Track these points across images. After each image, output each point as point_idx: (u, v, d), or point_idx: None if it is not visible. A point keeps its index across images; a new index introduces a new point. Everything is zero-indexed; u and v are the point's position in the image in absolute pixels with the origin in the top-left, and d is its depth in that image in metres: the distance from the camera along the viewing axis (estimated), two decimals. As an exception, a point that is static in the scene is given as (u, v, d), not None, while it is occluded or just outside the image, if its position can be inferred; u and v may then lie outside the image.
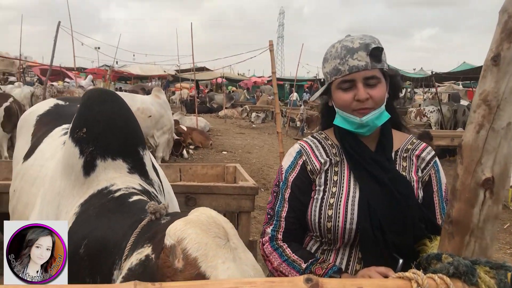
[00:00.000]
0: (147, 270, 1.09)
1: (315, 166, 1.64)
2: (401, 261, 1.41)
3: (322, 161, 1.65)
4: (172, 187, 4.21)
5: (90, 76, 22.72)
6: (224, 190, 4.03)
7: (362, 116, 1.55)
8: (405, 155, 1.67)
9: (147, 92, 14.39)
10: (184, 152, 10.88)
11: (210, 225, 1.10)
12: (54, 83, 24.17)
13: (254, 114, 21.03)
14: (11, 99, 7.96)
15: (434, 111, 15.74)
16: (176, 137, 9.91)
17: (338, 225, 1.54)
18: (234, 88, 34.63)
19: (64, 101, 2.90)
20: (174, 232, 1.08)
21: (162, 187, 1.85)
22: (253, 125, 19.50)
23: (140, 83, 29.28)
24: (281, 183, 1.67)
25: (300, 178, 1.64)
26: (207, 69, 28.84)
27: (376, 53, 1.54)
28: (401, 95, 32.64)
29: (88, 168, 1.59)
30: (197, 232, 1.07)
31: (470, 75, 16.81)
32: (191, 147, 11.81)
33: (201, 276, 1.00)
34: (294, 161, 1.68)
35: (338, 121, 1.62)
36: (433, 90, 21.35)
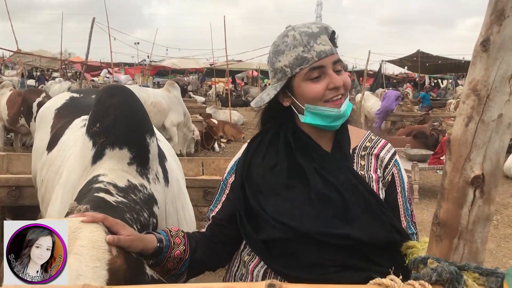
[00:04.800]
0: None
1: None
2: None
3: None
4: (192, 181, 4.24)
5: (105, 70, 23.30)
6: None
7: (338, 106, 1.39)
8: (363, 153, 1.50)
9: (181, 86, 14.48)
10: (216, 145, 10.92)
11: None
12: (95, 78, 24.91)
13: (289, 107, 20.83)
14: (43, 95, 8.18)
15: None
16: (195, 128, 9.79)
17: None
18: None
19: (78, 94, 3.08)
20: None
21: (166, 175, 1.92)
22: (288, 118, 19.32)
23: (178, 77, 29.59)
24: (222, 183, 1.59)
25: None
26: (243, 62, 28.89)
27: (333, 37, 1.42)
28: (443, 86, 31.77)
29: (97, 157, 1.70)
30: None
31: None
32: (223, 140, 11.84)
33: None
34: (235, 164, 1.57)
35: (308, 119, 1.42)
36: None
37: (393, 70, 33.19)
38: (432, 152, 7.97)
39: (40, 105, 8.03)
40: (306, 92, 1.40)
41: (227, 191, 1.54)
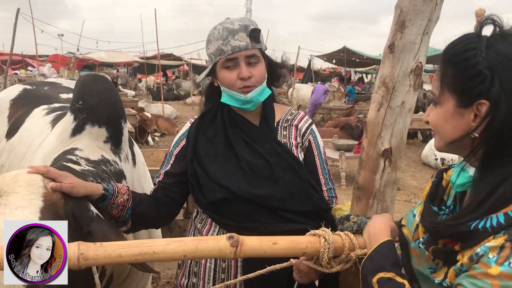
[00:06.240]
0: None
1: None
2: None
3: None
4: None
5: (49, 65, 22.30)
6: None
7: (246, 94, 1.68)
8: (285, 125, 1.82)
9: (111, 80, 14.19)
10: (150, 139, 10.94)
11: None
12: (17, 72, 23.62)
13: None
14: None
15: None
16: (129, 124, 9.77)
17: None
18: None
19: (30, 85, 3.18)
20: None
21: (134, 157, 2.18)
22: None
23: (106, 70, 28.78)
24: (168, 155, 1.85)
25: (181, 153, 1.80)
26: (174, 56, 28.64)
27: (255, 34, 1.68)
28: (367, 80, 33.44)
29: (76, 130, 1.90)
30: None
31: (433, 60, 17.17)
32: (157, 134, 11.85)
33: None
34: (180, 138, 1.83)
35: (225, 99, 1.74)
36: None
37: (321, 65, 34.36)
38: (357, 142, 8.52)
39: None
40: (223, 78, 1.71)
41: (171, 161, 1.81)
